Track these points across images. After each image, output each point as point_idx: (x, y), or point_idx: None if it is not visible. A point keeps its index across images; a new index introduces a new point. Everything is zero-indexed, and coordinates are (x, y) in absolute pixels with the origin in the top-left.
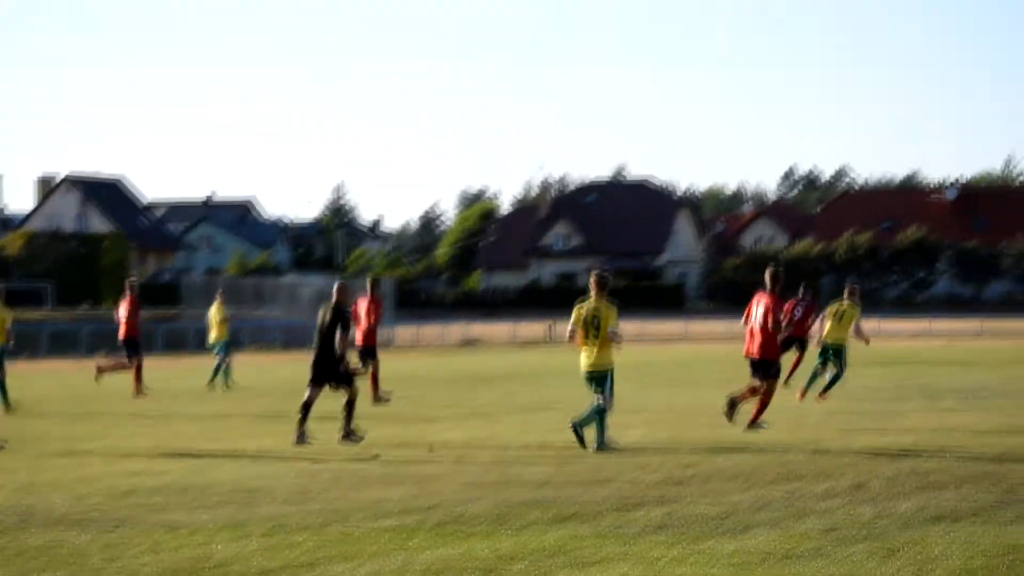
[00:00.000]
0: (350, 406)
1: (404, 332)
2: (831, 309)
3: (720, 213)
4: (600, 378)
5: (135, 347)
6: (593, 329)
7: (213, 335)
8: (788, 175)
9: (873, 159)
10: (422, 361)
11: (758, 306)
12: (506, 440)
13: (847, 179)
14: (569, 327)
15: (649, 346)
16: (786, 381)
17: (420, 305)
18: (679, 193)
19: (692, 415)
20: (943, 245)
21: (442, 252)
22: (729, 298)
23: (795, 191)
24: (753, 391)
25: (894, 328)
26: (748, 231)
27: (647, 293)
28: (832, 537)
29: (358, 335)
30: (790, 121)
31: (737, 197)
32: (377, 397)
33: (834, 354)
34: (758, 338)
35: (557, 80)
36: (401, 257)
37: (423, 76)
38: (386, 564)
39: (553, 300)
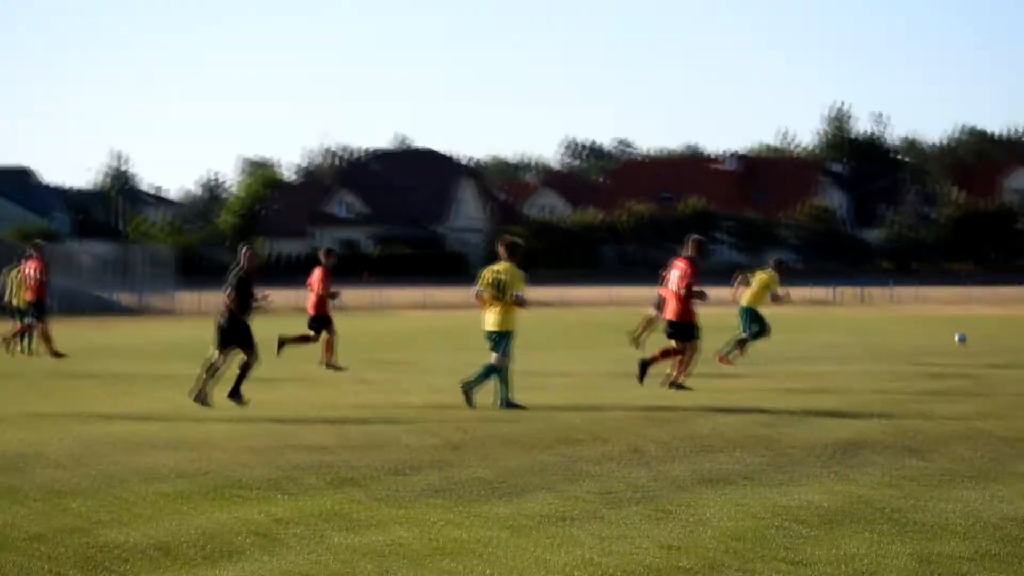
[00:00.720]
0: (247, 368)
1: (187, 298)
2: (756, 276)
3: (504, 182)
4: (498, 338)
5: (43, 309)
6: (498, 292)
7: (20, 298)
8: (570, 146)
9: (653, 131)
10: (205, 327)
11: (675, 271)
12: (285, 405)
13: (629, 150)
14: (476, 288)
15: (433, 313)
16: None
17: (203, 272)
18: (463, 163)
19: None
20: (723, 215)
21: (225, 219)
22: None
23: (578, 162)
24: (665, 354)
25: None
26: (531, 200)
27: (430, 261)
28: (607, 500)
29: (309, 304)
30: (566, 93)
31: (521, 167)
32: (330, 364)
33: (752, 318)
34: (673, 302)
35: (340, 49)
36: (183, 224)
37: (206, 42)
38: (160, 528)
39: (336, 267)
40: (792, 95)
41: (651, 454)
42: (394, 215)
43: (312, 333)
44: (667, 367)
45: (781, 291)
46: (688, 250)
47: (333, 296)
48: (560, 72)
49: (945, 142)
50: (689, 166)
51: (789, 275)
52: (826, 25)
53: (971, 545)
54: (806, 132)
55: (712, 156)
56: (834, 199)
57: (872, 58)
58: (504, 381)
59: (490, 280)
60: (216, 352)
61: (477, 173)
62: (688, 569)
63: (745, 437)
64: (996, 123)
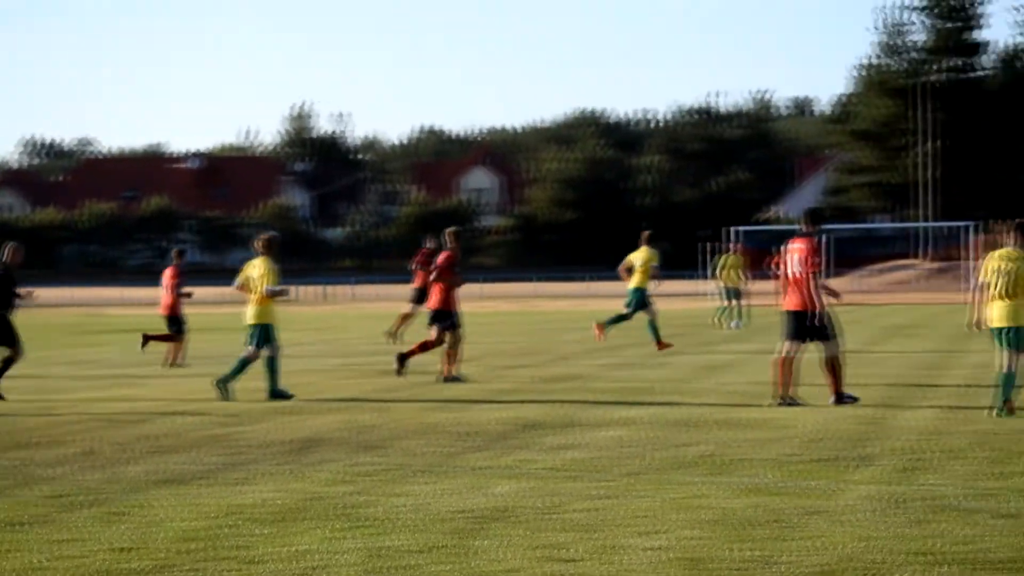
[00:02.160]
0: (9, 363)
1: None
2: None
3: None
4: (254, 331)
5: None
6: (257, 284)
7: None
8: (28, 144)
9: (116, 130)
10: None
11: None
12: None
13: (91, 148)
14: (238, 280)
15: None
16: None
17: None
18: None
19: None
20: (185, 214)
21: None
22: None
23: (38, 160)
24: (423, 347)
25: (139, 296)
26: None
27: None
28: (59, 504)
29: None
30: (27, 92)
31: None
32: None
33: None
34: (435, 292)
35: None
36: None
37: None
38: None
39: None
40: (256, 95)
41: (107, 456)
42: None
43: (179, 334)
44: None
45: None
46: (449, 241)
47: (188, 296)
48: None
49: (405, 142)
50: (151, 165)
51: None
52: (316, 24)
53: (421, 538)
54: (269, 131)
55: (174, 155)
56: (296, 198)
57: (334, 58)
58: (271, 370)
59: (251, 273)
60: None
61: None
62: (139, 571)
63: (202, 437)
64: (454, 123)
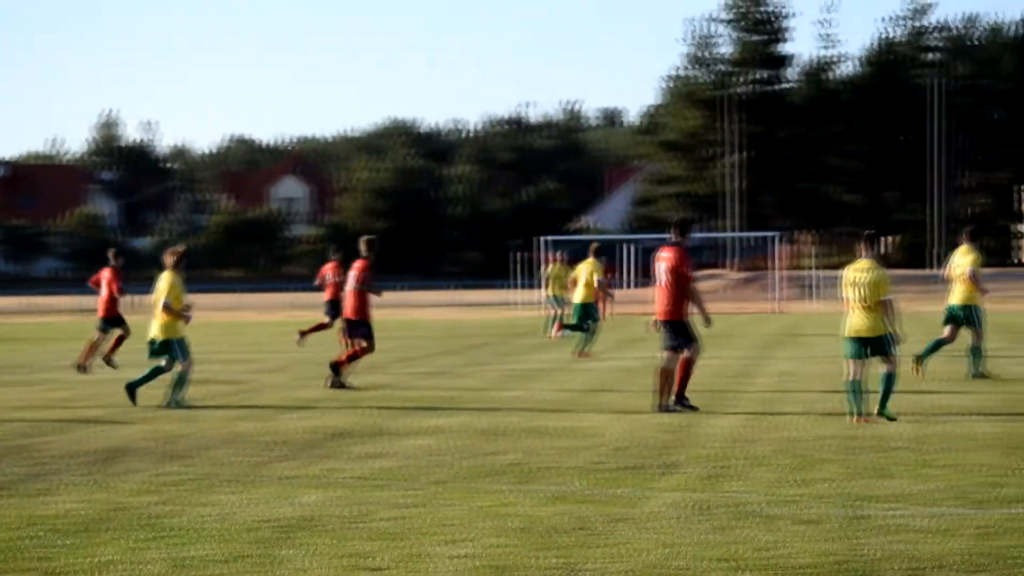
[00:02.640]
0: None
1: None
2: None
3: None
4: (162, 346)
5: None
6: (158, 299)
7: None
8: None
9: None
10: None
11: (352, 272)
12: None
13: None
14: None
15: None
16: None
17: None
18: None
19: None
20: None
21: None
22: None
23: None
24: (352, 357)
25: None
26: None
27: None
28: None
29: (100, 305)
30: None
31: None
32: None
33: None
34: (349, 299)
35: None
36: None
37: None
38: None
39: None
40: (63, 102)
41: None
42: None
43: (122, 332)
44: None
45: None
46: (365, 250)
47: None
48: None
49: (215, 151)
50: None
51: (65, 284)
52: (124, 29)
53: (226, 548)
54: (76, 140)
55: None
56: (104, 206)
57: (143, 65)
58: (179, 384)
59: (160, 287)
60: None
61: None
62: None
63: (4, 448)
64: (264, 132)
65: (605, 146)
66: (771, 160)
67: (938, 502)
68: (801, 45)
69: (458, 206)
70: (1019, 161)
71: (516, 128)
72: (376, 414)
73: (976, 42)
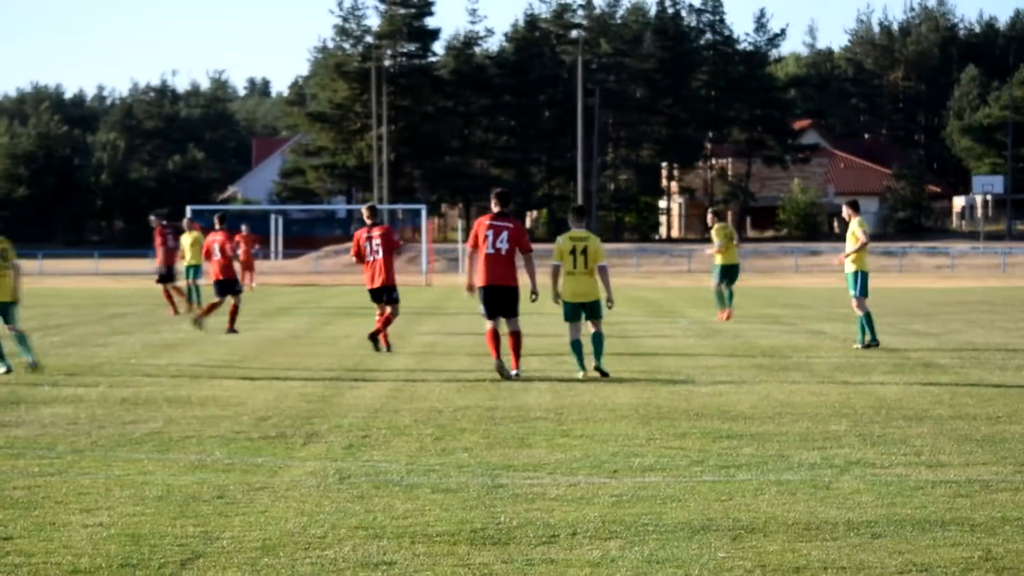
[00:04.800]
0: None
1: None
2: None
3: None
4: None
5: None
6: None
7: None
8: None
9: None
10: None
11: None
12: None
13: None
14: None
15: None
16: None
17: None
18: None
19: None
20: None
21: None
22: None
23: None
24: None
25: None
26: None
27: None
28: None
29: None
30: None
31: None
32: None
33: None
34: (381, 268)
35: None
36: None
37: None
38: None
39: None
40: None
41: None
42: None
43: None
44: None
45: None
46: (373, 216)
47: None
48: None
49: None
50: None
51: None
52: None
53: None
54: None
55: None
56: None
57: None
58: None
59: None
60: None
61: None
62: None
63: None
64: None
65: (253, 116)
66: (418, 133)
67: (575, 471)
68: (448, 20)
69: (102, 174)
70: (661, 138)
71: (163, 96)
72: (12, 382)
73: (619, 21)
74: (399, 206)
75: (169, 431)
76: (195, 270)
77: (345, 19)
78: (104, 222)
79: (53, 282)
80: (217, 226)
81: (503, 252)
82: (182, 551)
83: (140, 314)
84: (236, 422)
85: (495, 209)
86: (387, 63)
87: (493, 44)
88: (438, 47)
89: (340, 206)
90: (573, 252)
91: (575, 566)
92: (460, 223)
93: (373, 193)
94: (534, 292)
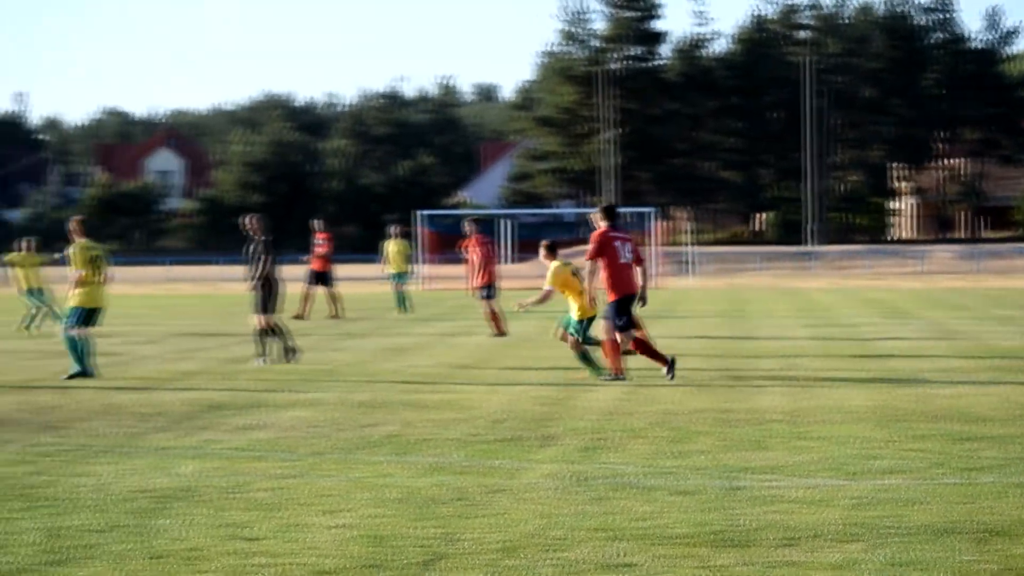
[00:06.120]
0: None
1: None
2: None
3: None
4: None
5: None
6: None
7: None
8: None
9: None
10: None
11: None
12: None
13: None
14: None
15: None
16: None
17: None
18: None
19: None
20: None
21: None
22: None
23: None
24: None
25: None
26: None
27: None
28: None
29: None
30: None
31: None
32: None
33: None
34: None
35: None
36: None
37: None
38: None
39: None
40: None
41: None
42: None
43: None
44: None
45: None
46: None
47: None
48: None
49: (87, 123)
50: None
51: None
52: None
53: (101, 517)
54: None
55: None
56: None
57: (13, 35)
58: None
59: None
60: None
61: None
62: None
63: None
64: (137, 106)
65: (480, 121)
66: (646, 136)
67: (813, 473)
68: (674, 22)
69: (333, 180)
70: (890, 138)
71: (391, 102)
72: (253, 386)
73: (847, 20)
74: (628, 209)
75: (406, 434)
76: (400, 277)
77: (571, 24)
78: (335, 227)
79: (288, 288)
80: (473, 230)
81: (631, 262)
82: (424, 552)
83: (373, 319)
84: (472, 425)
85: (606, 223)
86: (613, 67)
87: (720, 46)
88: (664, 50)
89: (568, 209)
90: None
91: (817, 569)
92: (688, 226)
93: (601, 196)
94: (643, 299)
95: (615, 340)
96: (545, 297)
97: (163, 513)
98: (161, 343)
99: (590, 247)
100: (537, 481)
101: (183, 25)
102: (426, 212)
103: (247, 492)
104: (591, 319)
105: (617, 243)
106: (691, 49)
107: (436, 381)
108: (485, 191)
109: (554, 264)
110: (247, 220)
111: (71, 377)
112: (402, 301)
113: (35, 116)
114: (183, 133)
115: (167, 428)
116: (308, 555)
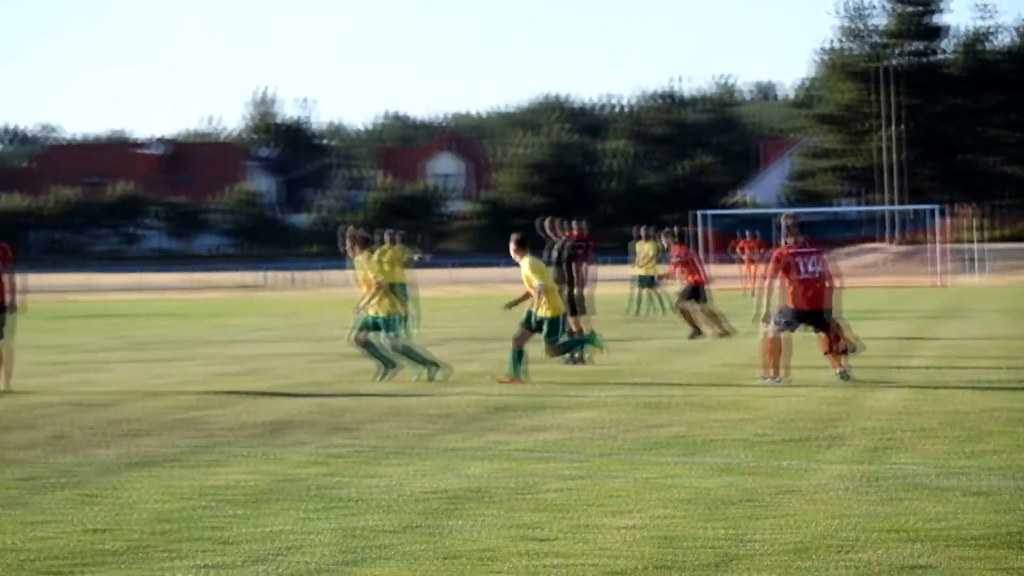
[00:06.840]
0: None
1: None
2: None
3: None
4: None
5: None
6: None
7: None
8: None
9: (79, 116)
10: None
11: None
12: None
13: (55, 135)
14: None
15: None
16: None
17: None
18: None
19: None
20: (151, 200)
21: None
22: None
23: (0, 147)
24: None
25: (106, 282)
26: None
27: None
28: (31, 485)
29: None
30: None
31: None
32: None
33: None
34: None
35: None
36: None
37: None
38: None
39: None
40: (218, 81)
41: (78, 439)
42: None
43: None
44: None
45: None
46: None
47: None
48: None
49: (370, 127)
50: (115, 151)
51: (225, 261)
52: (279, 9)
53: (395, 518)
54: (233, 117)
55: (138, 141)
56: (262, 184)
57: (298, 43)
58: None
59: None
60: None
61: None
62: (113, 551)
63: (174, 420)
64: (419, 109)
65: (759, 120)
66: (929, 133)
67: None
68: (957, 16)
69: (612, 181)
70: None
71: (669, 102)
72: (539, 388)
73: None
74: (910, 206)
75: (692, 435)
76: (649, 280)
77: (851, 20)
78: (614, 228)
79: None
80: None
81: (816, 275)
82: (715, 553)
83: (653, 319)
84: (758, 425)
85: (789, 240)
86: (894, 62)
87: (1004, 39)
88: (947, 44)
89: (850, 207)
90: None
91: None
92: (975, 222)
93: (883, 194)
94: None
95: (777, 339)
96: (540, 294)
97: (454, 514)
98: (445, 344)
99: (770, 265)
100: (827, 482)
101: (462, 29)
102: (707, 212)
103: (536, 493)
104: (563, 315)
105: (799, 259)
106: (974, 43)
107: (720, 383)
108: (765, 190)
109: (529, 259)
110: (545, 223)
111: (430, 378)
112: (640, 303)
113: (320, 121)
114: (463, 136)
115: (455, 429)
116: (599, 556)
